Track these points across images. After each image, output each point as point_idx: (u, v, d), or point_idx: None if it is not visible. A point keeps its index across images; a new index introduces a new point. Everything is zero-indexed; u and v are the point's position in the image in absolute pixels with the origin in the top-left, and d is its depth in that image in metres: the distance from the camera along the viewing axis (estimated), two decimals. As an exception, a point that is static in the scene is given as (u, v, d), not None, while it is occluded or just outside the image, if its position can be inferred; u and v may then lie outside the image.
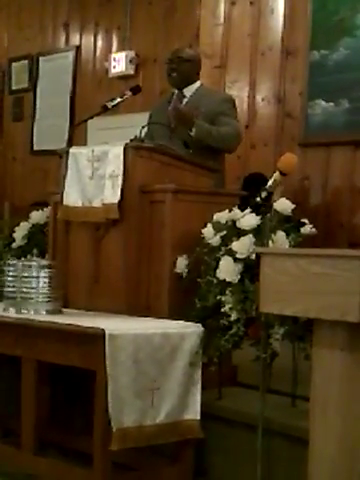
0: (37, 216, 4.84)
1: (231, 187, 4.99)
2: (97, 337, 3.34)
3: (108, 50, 7.23)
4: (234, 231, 3.66)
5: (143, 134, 4.35)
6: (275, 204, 3.57)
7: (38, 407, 3.77)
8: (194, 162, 4.21)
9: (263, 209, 3.48)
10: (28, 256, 3.98)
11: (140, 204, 3.98)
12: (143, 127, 4.27)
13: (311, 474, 2.77)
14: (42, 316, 3.77)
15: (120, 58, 6.96)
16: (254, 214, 3.64)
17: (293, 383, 3.63)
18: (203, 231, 3.76)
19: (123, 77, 6.92)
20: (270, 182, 3.43)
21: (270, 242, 3.48)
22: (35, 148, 7.88)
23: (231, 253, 3.59)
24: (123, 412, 3.34)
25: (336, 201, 5.43)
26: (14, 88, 8.15)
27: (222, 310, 3.57)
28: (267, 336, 3.42)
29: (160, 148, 4.16)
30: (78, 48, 7.55)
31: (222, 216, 3.77)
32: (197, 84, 4.98)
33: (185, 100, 4.96)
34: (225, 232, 3.69)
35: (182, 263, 3.83)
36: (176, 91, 4.96)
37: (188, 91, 4.94)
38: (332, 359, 2.68)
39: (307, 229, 3.63)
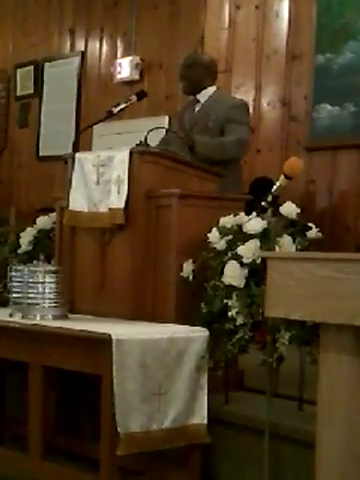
0: (43, 221, 4.83)
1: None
2: (104, 342, 3.33)
3: (113, 55, 7.25)
4: (240, 235, 3.65)
5: (159, 140, 4.32)
6: (281, 208, 3.57)
7: (45, 412, 3.77)
8: (200, 167, 4.21)
9: (269, 213, 3.48)
10: (34, 262, 3.98)
11: (146, 209, 3.98)
12: (149, 132, 4.26)
13: (318, 478, 2.76)
14: (48, 321, 3.77)
15: (125, 63, 6.98)
16: (260, 218, 3.63)
17: (300, 387, 3.62)
18: (209, 235, 3.76)
19: (128, 82, 6.94)
20: (276, 186, 3.43)
21: (276, 246, 3.47)
22: (41, 154, 7.90)
23: (237, 257, 3.59)
24: (130, 417, 3.33)
25: (342, 205, 5.42)
26: (19, 94, 8.18)
27: (228, 314, 3.56)
28: (273, 340, 3.41)
29: (165, 153, 4.16)
30: (83, 54, 7.57)
31: (228, 220, 3.76)
32: (212, 89, 4.98)
33: (198, 105, 4.96)
34: (231, 236, 3.69)
35: (188, 267, 3.83)
36: (191, 97, 4.98)
37: (202, 97, 4.95)
38: (339, 363, 2.67)
39: (313, 233, 3.62)
